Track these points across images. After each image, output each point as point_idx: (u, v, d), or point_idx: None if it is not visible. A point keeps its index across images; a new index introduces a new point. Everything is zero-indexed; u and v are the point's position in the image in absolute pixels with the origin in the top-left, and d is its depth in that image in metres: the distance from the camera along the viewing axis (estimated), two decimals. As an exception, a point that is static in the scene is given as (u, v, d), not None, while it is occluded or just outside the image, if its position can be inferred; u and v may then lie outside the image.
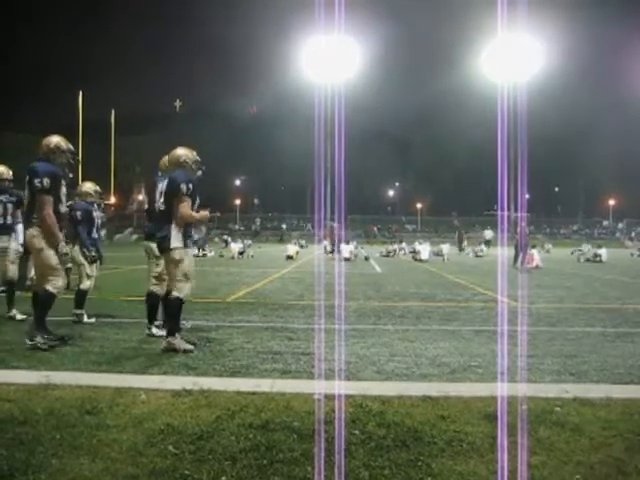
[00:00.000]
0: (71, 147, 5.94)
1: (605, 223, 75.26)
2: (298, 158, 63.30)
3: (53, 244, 5.55)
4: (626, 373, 4.84)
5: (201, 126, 70.42)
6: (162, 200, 5.81)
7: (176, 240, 5.64)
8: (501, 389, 4.15)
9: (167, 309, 5.78)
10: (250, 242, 33.65)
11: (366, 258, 24.88)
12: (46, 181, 5.49)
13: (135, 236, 61.15)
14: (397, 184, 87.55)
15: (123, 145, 56.04)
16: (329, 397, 3.84)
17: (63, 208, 5.79)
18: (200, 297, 8.95)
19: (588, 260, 25.86)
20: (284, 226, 67.79)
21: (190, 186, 5.64)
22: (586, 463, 2.95)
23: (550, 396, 4.06)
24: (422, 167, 78.20)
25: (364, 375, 4.72)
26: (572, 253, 32.04)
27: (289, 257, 24.22)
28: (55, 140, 5.81)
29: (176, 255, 5.65)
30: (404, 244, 32.99)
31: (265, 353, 5.46)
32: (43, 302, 5.64)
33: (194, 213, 5.72)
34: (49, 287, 5.60)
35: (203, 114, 76.35)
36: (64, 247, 5.66)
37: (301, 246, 34.49)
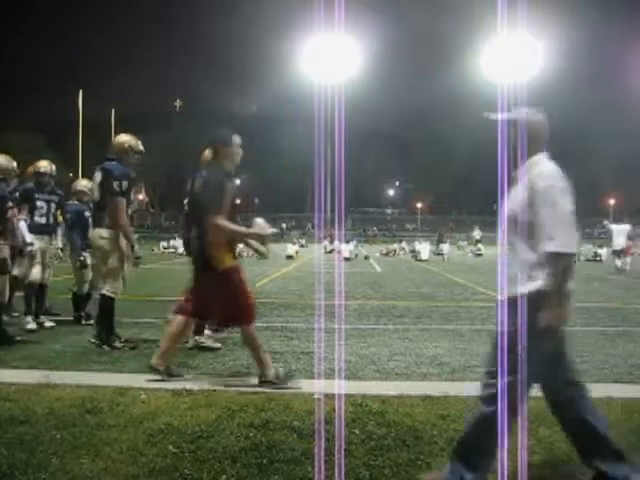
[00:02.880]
0: (141, 147, 5.99)
1: (605, 223, 75.14)
2: (298, 157, 63.23)
3: (121, 247, 5.63)
4: (626, 372, 4.85)
5: (201, 125, 70.31)
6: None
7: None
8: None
9: None
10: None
11: (366, 257, 24.90)
12: (124, 184, 5.60)
13: (136, 236, 61.29)
14: (397, 183, 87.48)
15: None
16: (329, 396, 3.84)
17: (131, 210, 5.88)
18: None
19: (588, 259, 25.88)
20: (284, 225, 67.75)
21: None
22: (586, 462, 2.94)
23: (550, 395, 4.05)
24: (422, 166, 78.05)
25: (364, 374, 4.72)
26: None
27: (289, 257, 24.23)
28: (128, 139, 5.88)
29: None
30: (404, 244, 32.99)
31: (265, 352, 5.45)
32: (104, 305, 5.69)
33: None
34: (107, 291, 5.65)
35: (203, 113, 76.19)
36: (138, 249, 5.83)
37: (301, 245, 34.46)
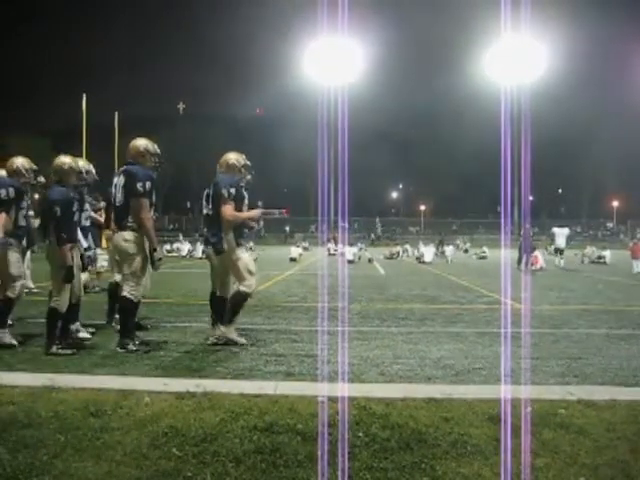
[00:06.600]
0: (158, 150, 5.96)
1: (609, 225, 74.97)
2: (301, 160, 63.30)
3: (144, 250, 5.59)
4: (630, 375, 4.83)
5: (204, 128, 70.41)
6: (210, 205, 5.96)
7: (228, 242, 5.82)
8: (505, 391, 4.13)
9: (231, 301, 5.94)
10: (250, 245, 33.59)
11: (370, 260, 24.87)
12: (148, 185, 5.56)
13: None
14: (400, 186, 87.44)
15: (126, 148, 56.07)
16: (333, 399, 3.84)
17: (153, 212, 5.86)
18: (204, 299, 8.96)
19: (592, 262, 25.80)
20: (287, 228, 67.75)
21: (232, 190, 5.79)
22: (591, 465, 2.94)
23: (554, 398, 4.05)
24: (425, 169, 77.98)
25: (368, 377, 4.71)
26: (575, 254, 31.96)
27: (292, 259, 24.25)
28: (144, 143, 5.85)
29: (232, 256, 5.83)
30: (408, 246, 32.94)
31: (269, 355, 5.45)
32: (125, 309, 5.65)
33: (238, 213, 5.88)
34: (127, 293, 5.59)
35: (206, 116, 76.26)
36: (161, 252, 5.76)
37: (304, 248, 34.41)
